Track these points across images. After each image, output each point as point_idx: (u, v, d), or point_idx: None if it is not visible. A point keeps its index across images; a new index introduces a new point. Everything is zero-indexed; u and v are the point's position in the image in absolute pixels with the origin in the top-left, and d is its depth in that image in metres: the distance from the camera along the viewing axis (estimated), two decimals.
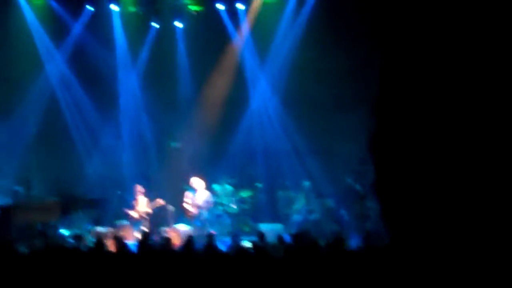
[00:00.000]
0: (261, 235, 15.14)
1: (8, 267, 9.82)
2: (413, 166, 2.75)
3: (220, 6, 22.02)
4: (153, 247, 13.64)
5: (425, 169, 2.72)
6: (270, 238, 15.32)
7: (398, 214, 2.83)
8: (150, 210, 19.84)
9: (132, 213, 19.62)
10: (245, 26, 22.33)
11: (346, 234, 16.86)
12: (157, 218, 20.18)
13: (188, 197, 19.98)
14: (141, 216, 19.64)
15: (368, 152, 3.16)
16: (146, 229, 18.23)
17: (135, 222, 19.60)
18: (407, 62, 2.78)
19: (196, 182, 20.00)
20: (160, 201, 19.91)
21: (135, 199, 19.84)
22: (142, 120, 22.68)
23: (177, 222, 20.15)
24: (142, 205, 19.78)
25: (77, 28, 22.07)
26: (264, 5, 22.09)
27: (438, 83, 2.73)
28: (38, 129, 21.83)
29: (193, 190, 19.99)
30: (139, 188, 20.00)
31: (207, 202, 19.92)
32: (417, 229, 2.76)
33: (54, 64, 22.08)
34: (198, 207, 19.79)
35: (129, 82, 22.52)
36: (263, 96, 22.48)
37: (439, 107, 2.68)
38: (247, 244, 14.97)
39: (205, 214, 19.82)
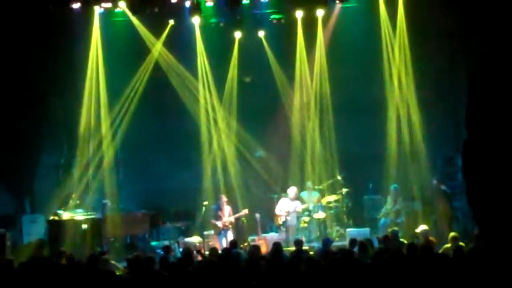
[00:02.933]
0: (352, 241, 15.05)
1: (98, 279, 9.96)
2: (503, 174, 2.71)
3: (299, 14, 21.89)
4: (240, 256, 13.63)
5: None
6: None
7: (490, 219, 2.79)
8: (236, 219, 19.90)
9: (218, 223, 19.69)
10: (326, 32, 22.24)
11: (435, 236, 16.67)
12: (245, 227, 20.25)
13: (281, 204, 20.09)
14: (227, 226, 19.71)
15: (461, 159, 3.11)
16: (233, 238, 18.26)
17: (221, 232, 19.67)
18: (498, 72, 2.73)
19: (291, 190, 20.14)
20: (246, 211, 19.96)
21: (220, 209, 19.91)
22: (225, 131, 22.67)
23: (265, 230, 20.20)
24: (227, 214, 19.85)
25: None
26: (343, 10, 21.99)
27: None
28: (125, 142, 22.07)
29: (288, 198, 20.12)
30: (224, 198, 20.08)
31: (296, 209, 20.00)
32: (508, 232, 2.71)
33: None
34: (287, 214, 19.88)
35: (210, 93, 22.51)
36: (345, 101, 22.30)
37: None
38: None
39: (294, 221, 19.89)
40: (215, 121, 22.40)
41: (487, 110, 2.56)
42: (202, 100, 22.31)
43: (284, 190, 20.86)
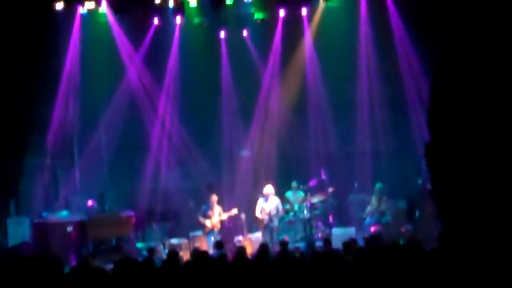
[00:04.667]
0: (327, 241, 15.22)
1: (84, 282, 9.92)
2: (467, 172, 2.72)
3: (281, 13, 21.98)
4: (227, 257, 13.63)
5: (479, 174, 2.68)
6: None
7: (455, 218, 2.80)
8: (224, 220, 19.87)
9: (208, 222, 19.65)
10: (309, 31, 22.32)
11: (420, 235, 16.70)
12: (231, 228, 20.23)
13: (258, 205, 20.04)
14: (214, 226, 19.68)
15: (424, 160, 3.13)
16: (219, 239, 18.23)
17: (208, 233, 19.65)
18: (460, 71, 2.75)
19: (266, 189, 20.03)
20: (235, 211, 19.91)
21: (211, 208, 19.85)
22: (210, 130, 22.72)
23: (250, 230, 20.18)
24: (217, 214, 19.81)
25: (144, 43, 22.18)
26: (326, 9, 22.07)
27: (489, 92, 2.69)
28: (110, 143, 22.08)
29: (265, 197, 20.03)
30: (215, 197, 20.00)
31: (277, 209, 19.95)
32: (473, 231, 2.72)
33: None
34: (269, 214, 19.81)
35: (195, 92, 22.50)
36: (330, 100, 22.36)
37: (490, 115, 2.64)
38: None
39: (275, 221, 19.85)
40: (200, 120, 22.47)
41: (449, 111, 2.58)
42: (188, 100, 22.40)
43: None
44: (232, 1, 21.64)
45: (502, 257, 2.65)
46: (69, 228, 18.90)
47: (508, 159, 2.62)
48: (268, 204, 19.97)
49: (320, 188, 21.26)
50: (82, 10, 21.22)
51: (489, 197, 2.70)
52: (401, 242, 15.01)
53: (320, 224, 20.83)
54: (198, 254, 14.27)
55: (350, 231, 19.33)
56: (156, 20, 21.92)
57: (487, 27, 2.88)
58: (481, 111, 2.70)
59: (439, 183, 2.90)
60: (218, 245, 16.52)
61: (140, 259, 13.06)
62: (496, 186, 2.67)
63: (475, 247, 2.76)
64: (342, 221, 21.03)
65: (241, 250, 14.09)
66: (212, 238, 19.32)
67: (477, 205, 2.73)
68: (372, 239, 15.34)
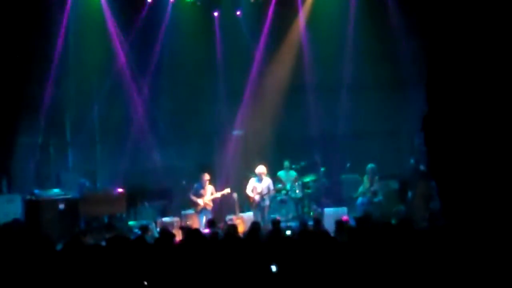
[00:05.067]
0: (317, 221, 15.28)
1: (76, 259, 9.94)
2: (464, 147, 2.73)
3: None
4: (219, 235, 13.66)
5: (476, 149, 2.69)
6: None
7: (453, 192, 2.81)
8: (216, 198, 19.87)
9: (200, 201, 19.66)
10: (302, 11, 22.32)
11: (411, 215, 16.76)
12: (223, 206, 20.26)
13: (250, 184, 20.08)
14: (206, 205, 19.69)
15: (421, 132, 3.13)
16: (211, 218, 18.24)
17: (200, 211, 19.66)
18: (456, 46, 2.74)
19: (259, 168, 20.06)
20: (227, 190, 19.91)
21: (203, 187, 19.85)
22: (203, 109, 22.73)
23: (242, 209, 20.20)
24: (209, 193, 19.82)
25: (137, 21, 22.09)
26: None
27: (487, 66, 2.69)
28: (103, 121, 22.07)
29: (257, 177, 20.07)
30: (207, 176, 19.98)
31: (269, 188, 20.00)
32: (471, 207, 2.73)
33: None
34: (261, 194, 19.87)
35: (187, 72, 22.46)
36: (323, 80, 22.40)
37: (488, 89, 2.65)
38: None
39: (266, 201, 19.91)
40: (192, 99, 22.44)
41: (446, 85, 2.58)
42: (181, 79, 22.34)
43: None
44: None
45: (496, 234, 2.66)
46: (61, 206, 18.89)
47: (505, 131, 2.63)
48: (260, 184, 20.04)
49: (312, 167, 21.31)
50: None
51: (486, 171, 2.72)
52: (393, 221, 15.08)
53: (312, 203, 20.89)
54: (188, 232, 14.32)
55: (342, 211, 19.38)
56: None
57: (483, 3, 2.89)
58: (478, 84, 2.72)
59: (436, 156, 2.91)
60: (211, 223, 16.54)
61: (132, 237, 13.05)
62: (493, 160, 2.69)
63: (471, 221, 2.78)
64: (334, 201, 21.06)
65: (233, 228, 14.10)
66: (204, 217, 19.35)
67: (474, 179, 2.75)
68: (364, 219, 15.39)
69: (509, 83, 2.43)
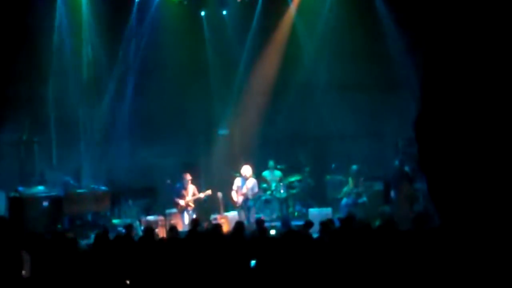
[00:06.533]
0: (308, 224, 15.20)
1: (60, 256, 9.94)
2: (457, 146, 2.73)
3: None
4: (203, 234, 13.67)
5: (469, 149, 2.69)
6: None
7: (444, 192, 2.81)
8: (199, 198, 19.83)
9: (181, 201, 19.63)
10: (290, 11, 22.37)
11: (395, 216, 16.78)
12: (206, 206, 20.23)
13: (235, 184, 20.04)
14: (189, 205, 19.65)
15: (413, 132, 3.15)
16: (195, 217, 18.20)
17: (184, 210, 19.64)
18: (451, 48, 2.75)
19: (244, 169, 20.01)
20: (209, 192, 19.84)
21: (185, 187, 19.82)
22: (189, 108, 22.72)
23: (227, 208, 20.19)
24: (192, 193, 19.78)
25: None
26: None
27: (482, 67, 2.71)
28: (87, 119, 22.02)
29: (242, 177, 20.02)
30: (189, 176, 19.95)
31: (253, 189, 19.93)
32: (463, 207, 2.74)
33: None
34: (245, 194, 19.81)
35: (174, 71, 22.44)
36: (309, 81, 22.43)
37: (482, 90, 2.66)
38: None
39: (251, 201, 19.83)
40: (178, 98, 22.42)
41: (442, 83, 2.59)
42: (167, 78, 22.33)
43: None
44: None
45: (490, 235, 2.68)
46: (45, 203, 18.86)
47: (500, 130, 2.64)
48: (245, 184, 19.99)
49: (297, 168, 21.35)
50: None
51: (478, 170, 2.73)
52: (377, 223, 15.10)
53: (296, 203, 20.93)
54: (175, 231, 14.34)
55: (326, 211, 19.40)
56: None
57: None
58: (473, 82, 2.72)
59: (427, 155, 2.91)
60: (194, 222, 16.52)
61: (116, 235, 13.05)
62: (486, 159, 2.69)
63: (464, 221, 2.79)
64: (319, 201, 21.10)
65: (217, 227, 14.10)
66: (187, 216, 19.31)
67: (466, 178, 2.75)
68: (348, 220, 15.41)
69: (507, 81, 2.45)
